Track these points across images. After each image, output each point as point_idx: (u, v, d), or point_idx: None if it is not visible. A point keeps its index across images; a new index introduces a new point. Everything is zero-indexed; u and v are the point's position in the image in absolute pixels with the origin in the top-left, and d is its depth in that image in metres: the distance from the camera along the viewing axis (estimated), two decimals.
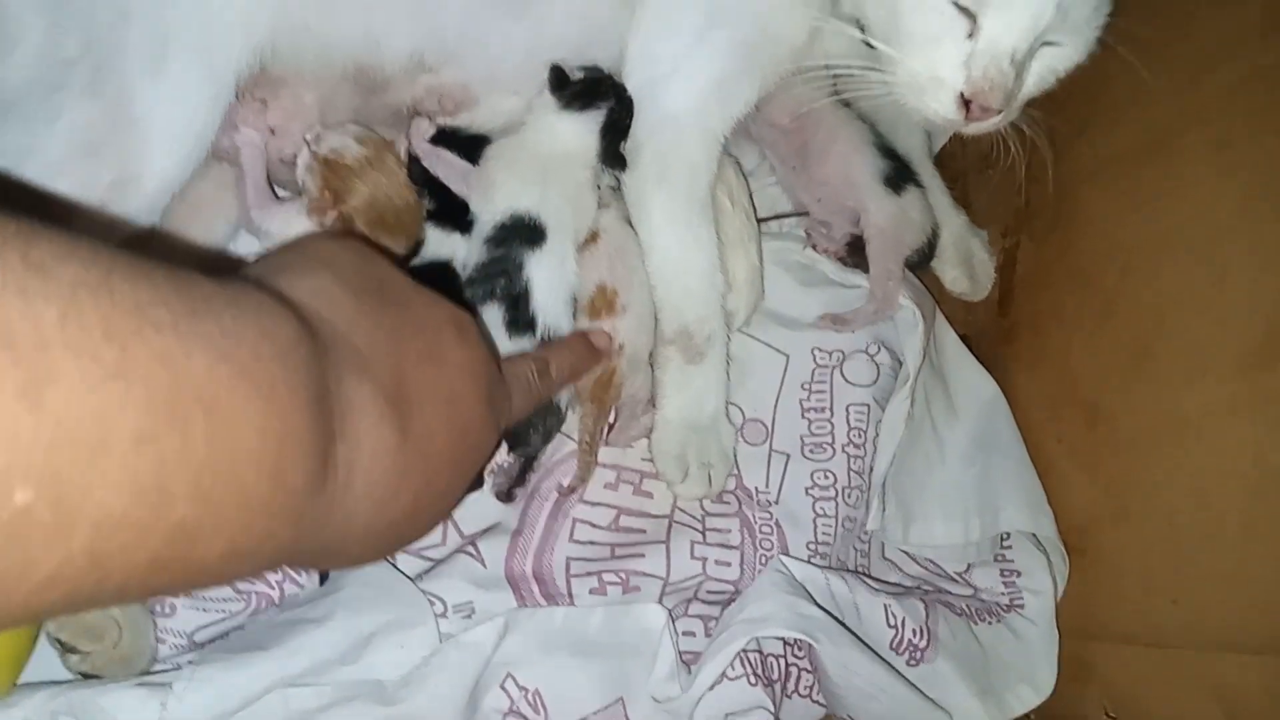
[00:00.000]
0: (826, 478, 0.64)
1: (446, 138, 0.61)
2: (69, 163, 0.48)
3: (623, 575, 0.58)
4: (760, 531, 0.62)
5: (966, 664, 0.60)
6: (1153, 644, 0.56)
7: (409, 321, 0.37)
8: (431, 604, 0.54)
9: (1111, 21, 0.56)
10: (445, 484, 0.37)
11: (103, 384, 0.21)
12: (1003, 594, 0.64)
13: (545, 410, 0.57)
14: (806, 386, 0.67)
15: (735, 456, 0.63)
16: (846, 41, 0.58)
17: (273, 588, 0.56)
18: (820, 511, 0.63)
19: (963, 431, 0.69)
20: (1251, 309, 0.52)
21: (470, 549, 0.57)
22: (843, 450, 0.65)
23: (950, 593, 0.65)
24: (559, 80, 0.60)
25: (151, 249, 0.53)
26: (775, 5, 0.60)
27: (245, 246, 0.63)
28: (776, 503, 0.63)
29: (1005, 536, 0.65)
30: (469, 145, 0.62)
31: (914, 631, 0.59)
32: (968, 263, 0.75)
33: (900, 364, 0.68)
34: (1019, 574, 0.64)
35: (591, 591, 0.57)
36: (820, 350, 0.67)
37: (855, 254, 0.69)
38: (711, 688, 0.55)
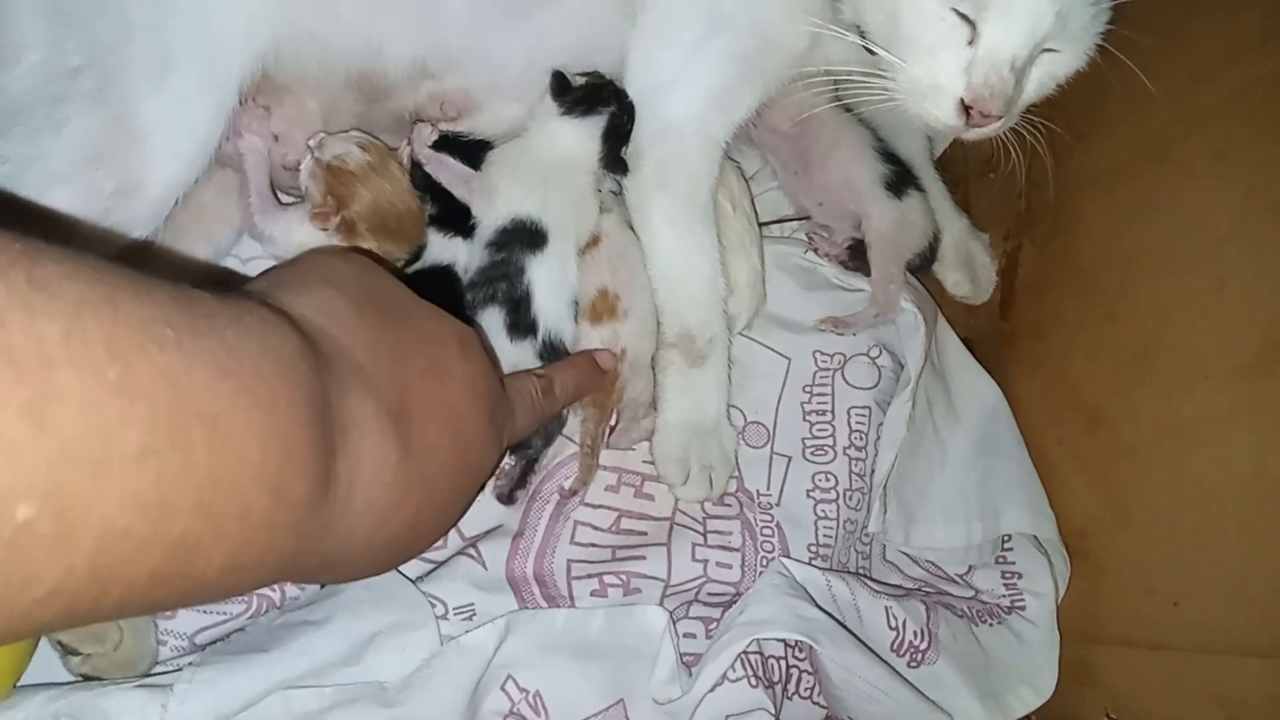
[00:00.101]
0: (828, 480, 0.64)
1: (449, 143, 0.62)
2: (73, 171, 0.48)
3: (624, 577, 0.58)
4: (761, 534, 0.62)
5: (968, 666, 0.60)
6: (1154, 647, 0.56)
7: (412, 337, 0.37)
8: (432, 606, 0.54)
9: (1110, 29, 0.56)
10: (446, 499, 0.37)
11: (105, 401, 0.21)
12: (1004, 596, 0.64)
13: None
14: (808, 389, 0.67)
15: (737, 459, 0.63)
16: (847, 48, 0.59)
17: (274, 590, 0.56)
18: (821, 514, 0.63)
19: (964, 434, 0.69)
20: (1251, 315, 0.52)
21: (471, 551, 0.57)
22: (844, 453, 0.65)
23: (951, 594, 0.65)
24: (560, 86, 0.61)
25: (153, 263, 0.54)
26: (776, 12, 0.60)
27: (248, 252, 0.63)
28: (778, 505, 0.63)
29: (1006, 539, 0.65)
30: (471, 150, 0.62)
31: (915, 633, 0.59)
32: (969, 266, 0.75)
33: (902, 367, 0.68)
34: (1020, 576, 0.64)
35: (592, 593, 0.58)
36: (822, 353, 0.67)
37: (857, 258, 0.70)
38: (712, 689, 0.55)
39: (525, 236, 0.59)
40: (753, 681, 0.56)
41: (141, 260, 0.53)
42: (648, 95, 0.62)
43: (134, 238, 0.52)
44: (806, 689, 0.60)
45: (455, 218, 0.61)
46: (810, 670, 0.60)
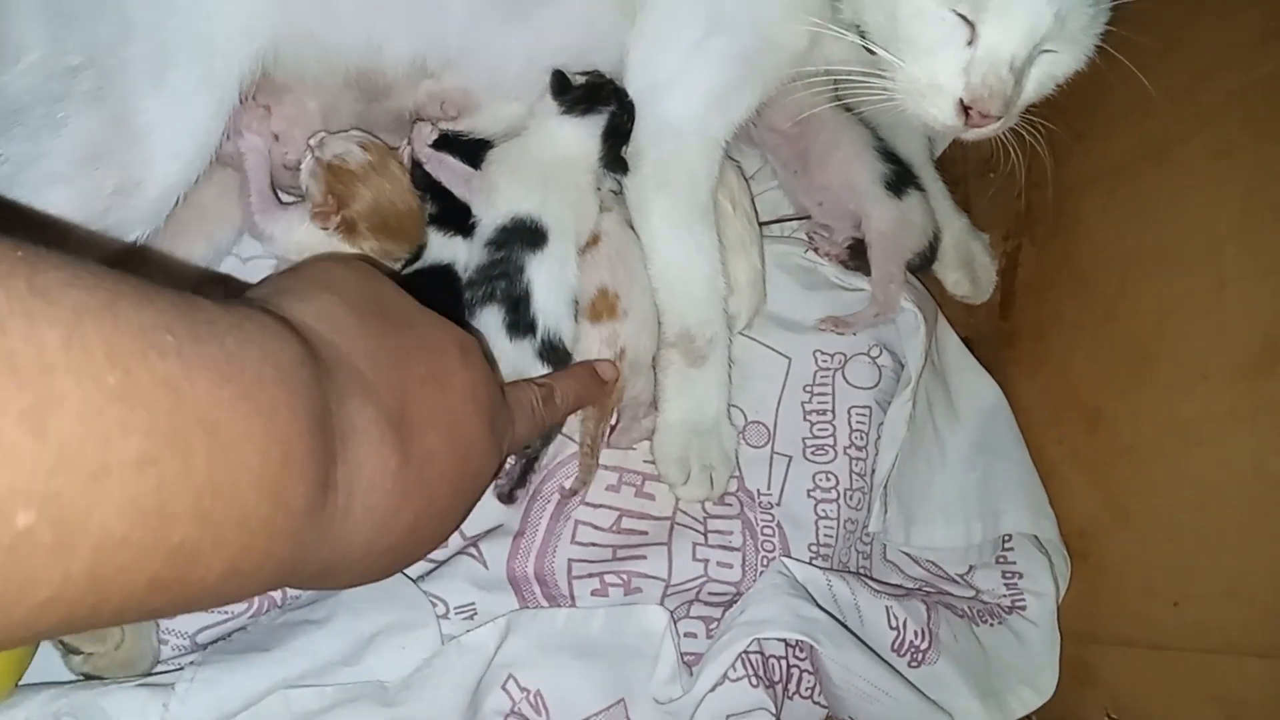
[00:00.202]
0: (828, 480, 0.64)
1: (449, 142, 0.62)
2: (73, 171, 0.48)
3: (624, 577, 0.58)
4: (762, 533, 0.62)
5: (968, 666, 0.60)
6: (1154, 647, 0.56)
7: (413, 344, 0.37)
8: (433, 605, 0.54)
9: (1110, 30, 0.56)
10: (446, 505, 0.37)
11: (105, 408, 0.21)
12: (1004, 596, 0.64)
13: None
14: (808, 389, 0.67)
15: (737, 459, 0.63)
16: (847, 48, 0.59)
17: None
18: (822, 513, 0.63)
19: (964, 434, 0.69)
20: (1251, 315, 0.52)
21: (472, 550, 0.57)
22: (844, 452, 0.65)
23: (952, 594, 0.65)
24: (560, 85, 0.61)
25: (149, 267, 0.53)
26: (776, 12, 0.60)
27: (249, 251, 0.63)
28: (778, 504, 0.63)
29: (1007, 538, 0.65)
30: (471, 150, 0.62)
31: (915, 633, 0.59)
32: (969, 266, 0.75)
33: (902, 366, 0.68)
34: (1021, 576, 0.64)
35: (593, 593, 0.58)
36: (822, 353, 0.68)
37: (857, 257, 0.70)
38: (713, 689, 0.55)
39: (525, 235, 0.59)
40: (753, 681, 0.56)
41: (138, 264, 0.53)
42: (647, 94, 0.62)
43: (132, 239, 0.51)
44: (807, 689, 0.60)
45: (455, 216, 0.61)
46: (811, 670, 0.60)
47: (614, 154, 0.61)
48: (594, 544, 0.59)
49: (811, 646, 0.56)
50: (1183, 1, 0.59)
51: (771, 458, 0.65)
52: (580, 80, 0.61)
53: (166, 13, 0.51)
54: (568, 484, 0.60)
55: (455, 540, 0.58)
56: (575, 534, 0.59)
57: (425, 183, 0.61)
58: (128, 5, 0.50)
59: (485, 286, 0.59)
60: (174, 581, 0.24)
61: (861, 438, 0.66)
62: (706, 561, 0.60)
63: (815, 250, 0.71)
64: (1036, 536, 0.65)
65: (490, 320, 0.58)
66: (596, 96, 0.61)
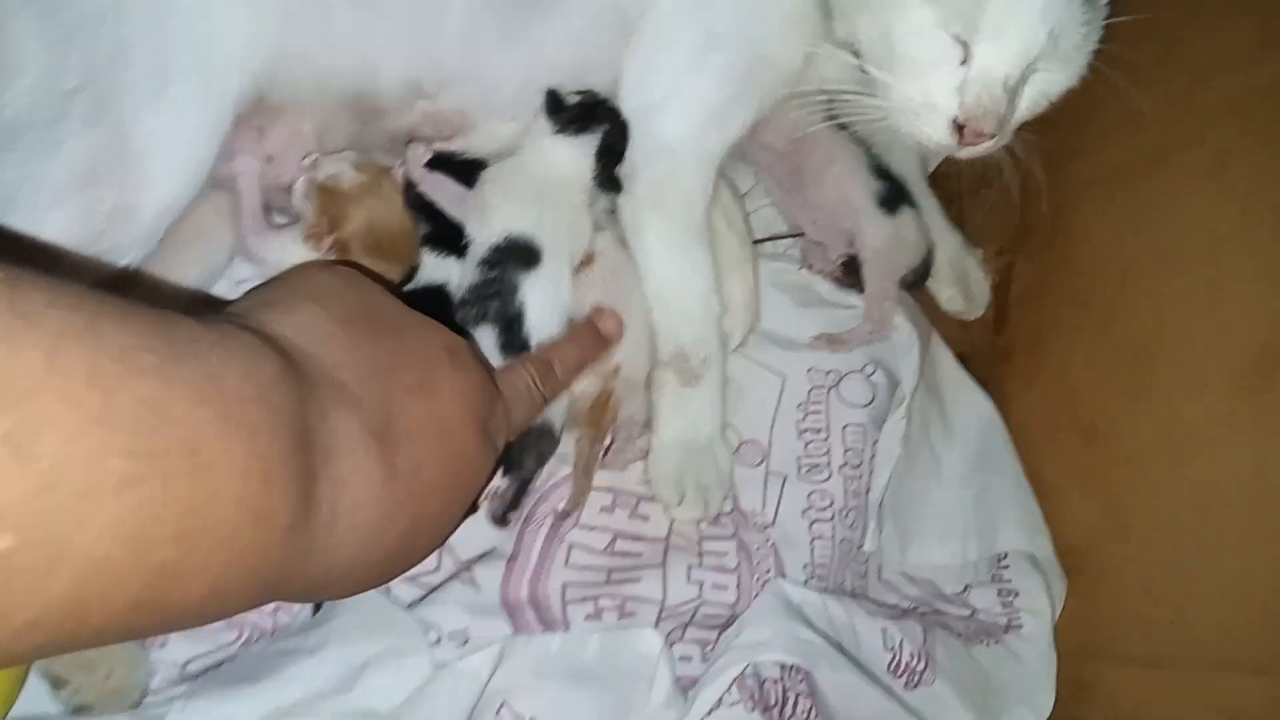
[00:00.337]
0: (823, 499, 0.64)
1: (443, 162, 0.62)
2: (68, 191, 0.48)
3: (619, 600, 0.58)
4: (757, 554, 0.62)
5: (965, 686, 0.60)
6: (1153, 664, 0.56)
7: (400, 351, 0.37)
8: (426, 632, 0.54)
9: (1103, 47, 0.57)
10: (437, 513, 0.37)
11: (87, 430, 0.21)
12: (1001, 614, 0.64)
13: (540, 433, 0.57)
14: (803, 407, 0.67)
15: (732, 478, 0.63)
16: (841, 66, 0.59)
17: (265, 618, 0.56)
18: (817, 533, 0.63)
19: (959, 451, 0.68)
20: (1250, 324, 0.52)
21: (465, 575, 0.57)
22: (839, 471, 0.65)
23: (948, 614, 0.64)
24: (554, 104, 0.61)
25: (146, 292, 0.53)
26: (770, 31, 0.61)
27: (241, 274, 0.63)
28: (773, 525, 0.63)
29: (1003, 556, 0.65)
30: (465, 169, 0.62)
31: (912, 655, 0.59)
32: (963, 281, 0.75)
33: (896, 384, 0.68)
34: (1017, 594, 0.64)
35: (587, 617, 0.57)
36: (816, 371, 0.67)
37: (851, 274, 0.70)
38: (709, 713, 0.54)
39: (519, 254, 0.59)
40: (749, 705, 0.55)
41: (130, 289, 0.53)
42: (642, 113, 0.62)
43: (125, 262, 0.51)
44: (804, 713, 0.60)
45: (448, 237, 0.61)
46: (807, 693, 0.59)
47: (608, 173, 0.61)
48: (588, 566, 0.59)
49: (808, 670, 0.56)
50: (1180, 7, 0.59)
51: (766, 477, 0.64)
52: (574, 99, 0.61)
53: (164, 35, 0.51)
54: (561, 506, 0.60)
55: (448, 565, 0.58)
56: (569, 557, 0.59)
57: (419, 203, 0.61)
58: (125, 28, 0.50)
59: (478, 306, 0.58)
60: (156, 602, 0.24)
61: (856, 456, 0.65)
62: (701, 583, 0.60)
63: (809, 267, 0.71)
64: (1032, 554, 0.64)
65: (483, 340, 0.57)
66: (590, 116, 0.61)
